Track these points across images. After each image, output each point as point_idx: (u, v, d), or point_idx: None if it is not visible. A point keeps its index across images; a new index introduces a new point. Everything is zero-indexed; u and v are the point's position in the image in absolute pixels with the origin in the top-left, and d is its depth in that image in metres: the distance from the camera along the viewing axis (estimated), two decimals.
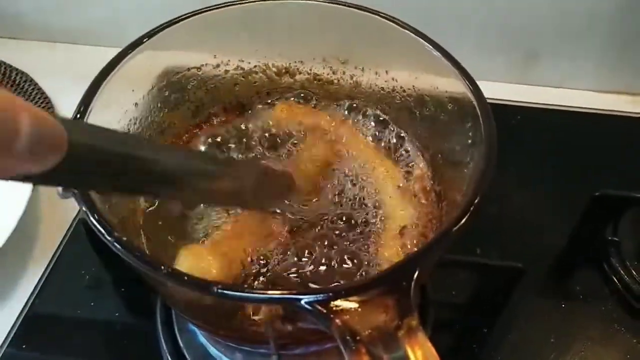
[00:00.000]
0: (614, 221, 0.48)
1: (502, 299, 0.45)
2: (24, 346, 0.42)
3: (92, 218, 0.25)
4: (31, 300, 0.45)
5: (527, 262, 0.45)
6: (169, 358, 0.40)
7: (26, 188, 0.47)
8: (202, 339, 0.40)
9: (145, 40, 0.33)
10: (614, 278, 0.45)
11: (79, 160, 0.19)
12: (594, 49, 0.60)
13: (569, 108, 0.60)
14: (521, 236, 0.49)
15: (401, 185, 0.36)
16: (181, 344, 0.41)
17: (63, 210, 0.51)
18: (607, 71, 0.62)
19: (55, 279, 0.46)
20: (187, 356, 0.40)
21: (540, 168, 0.54)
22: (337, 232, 0.34)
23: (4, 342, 0.42)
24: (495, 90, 0.31)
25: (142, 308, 0.45)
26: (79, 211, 0.50)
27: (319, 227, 0.34)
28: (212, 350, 0.40)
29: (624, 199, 0.49)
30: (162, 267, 0.24)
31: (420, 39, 0.34)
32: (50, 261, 0.47)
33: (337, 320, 0.22)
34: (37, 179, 0.18)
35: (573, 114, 0.60)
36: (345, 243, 0.34)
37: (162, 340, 0.41)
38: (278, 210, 0.34)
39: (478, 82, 0.32)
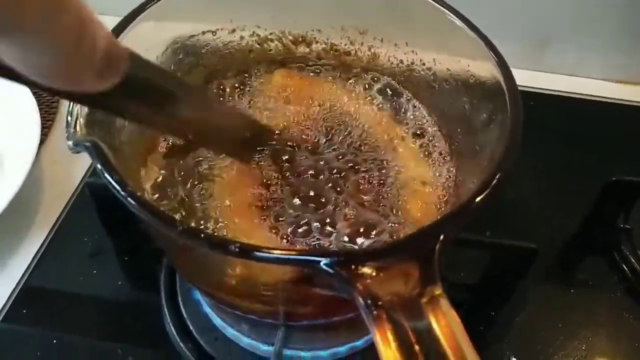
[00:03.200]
0: (626, 209, 0.47)
1: (511, 283, 0.44)
2: (21, 318, 0.41)
3: (105, 172, 0.24)
4: (30, 269, 0.44)
5: (537, 246, 0.45)
6: (172, 329, 0.40)
7: (29, 151, 0.46)
8: (207, 309, 0.40)
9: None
10: (624, 266, 0.45)
11: (129, 87, 0.21)
12: (607, 38, 0.60)
13: (581, 96, 0.60)
14: (532, 222, 0.48)
15: (418, 156, 0.36)
16: (185, 315, 0.40)
17: (67, 175, 0.50)
18: (619, 61, 0.62)
19: (57, 247, 0.46)
20: (190, 327, 0.40)
21: (553, 154, 0.53)
22: (352, 194, 0.34)
23: None
24: None
25: (145, 277, 0.44)
26: (83, 176, 0.49)
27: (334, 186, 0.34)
28: (217, 320, 0.39)
29: (637, 186, 0.48)
30: (178, 224, 0.23)
31: (444, 9, 0.33)
32: (52, 228, 0.47)
33: (358, 285, 0.21)
34: (90, 100, 0.20)
35: (585, 102, 0.59)
36: (359, 206, 0.33)
37: (166, 311, 0.40)
38: None
39: None
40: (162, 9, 0.33)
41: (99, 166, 0.25)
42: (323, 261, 0.22)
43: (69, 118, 0.26)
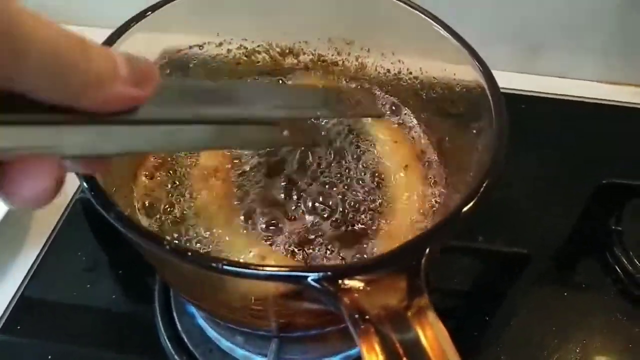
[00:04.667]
0: (617, 211, 0.48)
1: (504, 287, 0.44)
2: (16, 332, 0.41)
3: (92, 194, 0.25)
4: (25, 283, 0.44)
5: (529, 250, 0.45)
6: (167, 342, 0.40)
7: None
8: (201, 321, 0.40)
9: (147, 14, 0.32)
10: (617, 267, 0.45)
11: (169, 96, 0.21)
12: (598, 40, 0.60)
13: (573, 98, 0.60)
14: (524, 225, 0.48)
15: (407, 166, 0.36)
16: (179, 328, 0.40)
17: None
18: (611, 63, 0.62)
19: (51, 261, 0.46)
20: (185, 340, 0.40)
21: (544, 157, 0.53)
22: (339, 206, 0.34)
23: None
24: (499, 79, 0.31)
25: (140, 291, 0.44)
26: (76, 191, 0.49)
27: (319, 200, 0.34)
28: (211, 333, 0.39)
29: (628, 188, 0.49)
30: (165, 243, 0.23)
31: (430, 20, 0.34)
32: (46, 242, 0.47)
33: (345, 299, 0.22)
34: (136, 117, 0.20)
35: (577, 104, 0.60)
36: (346, 217, 0.33)
37: (160, 324, 0.40)
38: None
39: None
40: (150, 24, 0.33)
41: (85, 185, 0.25)
42: (310, 277, 0.22)
43: None
